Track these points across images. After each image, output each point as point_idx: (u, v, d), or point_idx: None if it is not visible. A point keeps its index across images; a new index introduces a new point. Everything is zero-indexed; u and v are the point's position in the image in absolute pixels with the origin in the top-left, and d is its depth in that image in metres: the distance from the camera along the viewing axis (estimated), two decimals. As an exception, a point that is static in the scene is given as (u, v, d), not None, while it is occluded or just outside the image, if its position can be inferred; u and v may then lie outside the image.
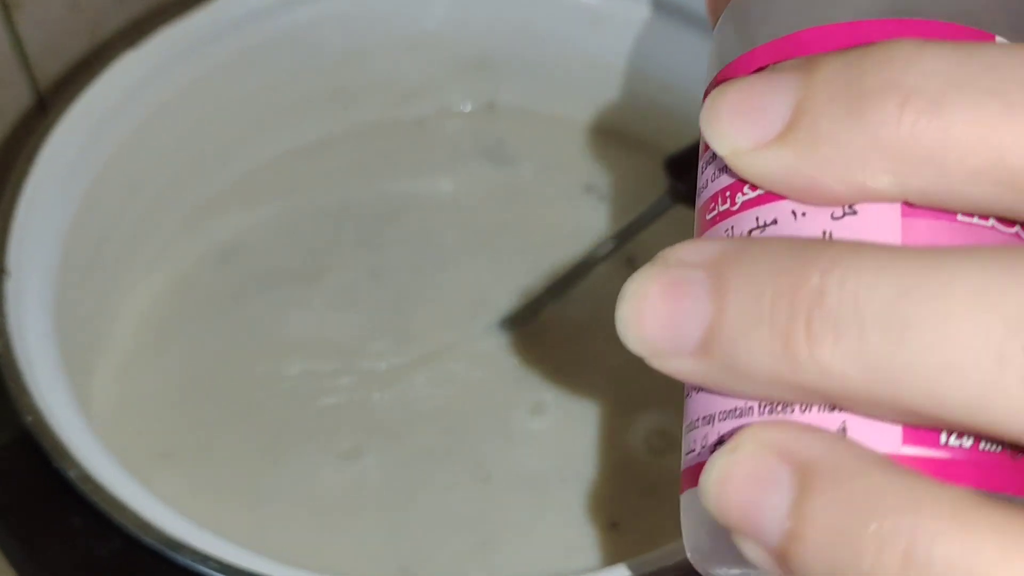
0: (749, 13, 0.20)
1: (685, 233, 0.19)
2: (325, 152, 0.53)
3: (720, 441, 0.17)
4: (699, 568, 0.19)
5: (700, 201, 0.20)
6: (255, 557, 0.33)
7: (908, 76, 0.15)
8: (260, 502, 0.42)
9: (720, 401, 0.18)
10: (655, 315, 0.16)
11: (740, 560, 0.17)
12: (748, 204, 0.18)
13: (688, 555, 0.19)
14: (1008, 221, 0.17)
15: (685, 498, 0.19)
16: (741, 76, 0.18)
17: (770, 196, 0.17)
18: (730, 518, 0.16)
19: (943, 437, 0.16)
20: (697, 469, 0.18)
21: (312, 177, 0.52)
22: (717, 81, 0.20)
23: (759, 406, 0.17)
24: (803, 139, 0.16)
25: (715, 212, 0.19)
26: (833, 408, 0.16)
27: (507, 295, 0.48)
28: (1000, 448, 0.17)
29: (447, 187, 0.52)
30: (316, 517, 0.42)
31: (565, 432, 0.44)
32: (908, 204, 0.16)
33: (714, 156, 0.19)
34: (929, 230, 0.16)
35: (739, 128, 0.16)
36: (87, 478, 0.34)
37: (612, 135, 0.54)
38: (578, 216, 0.51)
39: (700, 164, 0.20)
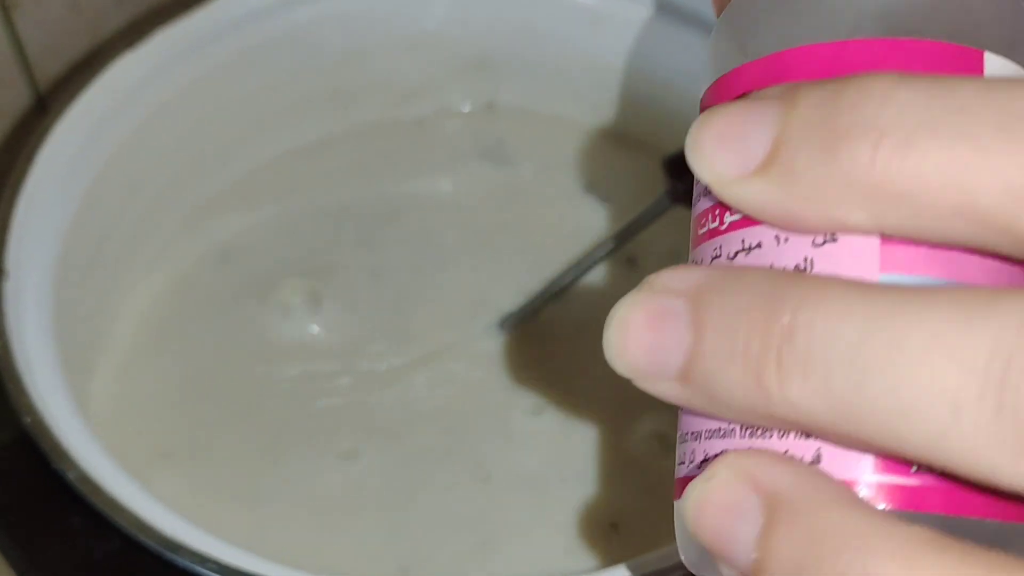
0: (741, 26, 0.20)
1: (684, 233, 0.19)
2: (325, 152, 0.53)
3: (705, 460, 0.18)
4: (693, 570, 0.19)
5: (694, 211, 0.20)
6: (254, 558, 0.33)
7: (882, 115, 0.15)
8: (259, 502, 0.42)
9: (705, 420, 0.18)
10: (639, 342, 0.17)
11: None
12: (735, 225, 0.18)
13: (682, 559, 0.20)
14: None
15: (678, 506, 0.20)
16: (726, 101, 0.18)
17: (755, 220, 0.18)
18: (706, 543, 0.17)
19: (913, 466, 0.17)
20: (685, 482, 0.18)
21: (312, 177, 0.52)
22: (709, 94, 0.20)
23: (740, 428, 0.18)
24: (781, 174, 0.16)
25: (705, 229, 0.19)
26: (809, 435, 0.17)
27: (507, 295, 0.48)
28: None
29: (447, 187, 0.52)
30: (316, 517, 0.42)
31: (565, 433, 0.44)
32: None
33: None
34: (908, 258, 0.17)
35: (721, 158, 0.17)
36: (86, 479, 0.34)
37: (612, 135, 0.54)
38: (578, 216, 0.51)
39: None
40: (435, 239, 0.50)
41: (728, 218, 0.18)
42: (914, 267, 0.17)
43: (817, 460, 0.17)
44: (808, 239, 0.17)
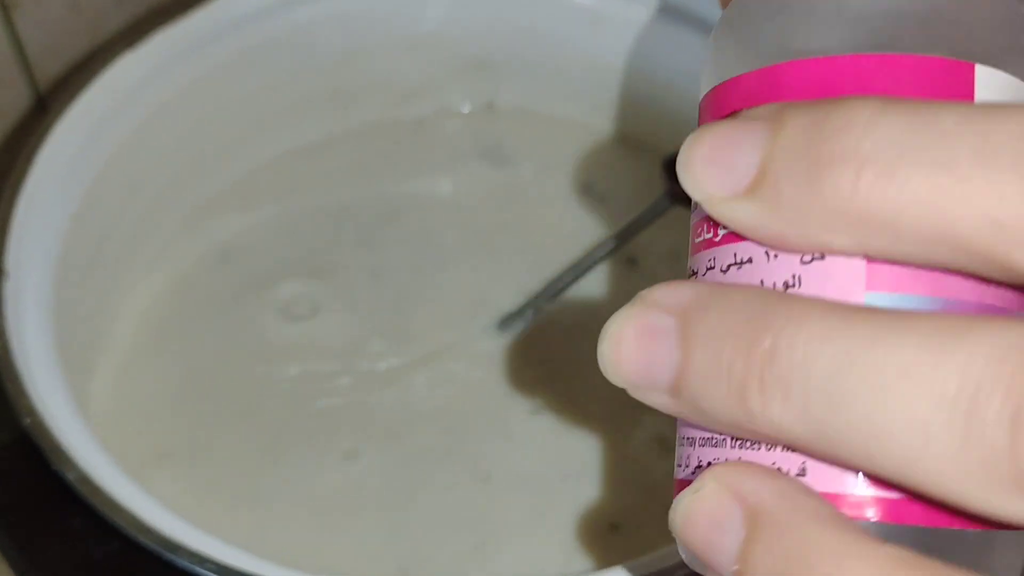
0: (739, 32, 0.20)
1: (684, 233, 0.19)
2: (325, 152, 0.53)
3: (699, 467, 0.19)
4: (691, 566, 0.20)
5: (692, 218, 0.21)
6: (253, 559, 0.33)
7: (864, 143, 0.16)
8: (259, 503, 0.42)
9: (699, 429, 0.19)
10: (631, 357, 0.18)
11: None
12: (728, 238, 0.19)
13: (682, 555, 0.20)
14: None
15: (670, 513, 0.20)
16: (721, 112, 0.19)
17: None
18: (694, 552, 0.18)
19: None
20: (683, 485, 0.19)
21: (312, 177, 0.52)
22: (706, 101, 0.20)
23: (731, 438, 0.18)
24: (767, 197, 0.17)
25: (701, 238, 0.20)
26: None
27: (507, 295, 0.48)
28: None
29: (447, 187, 0.52)
30: (315, 517, 0.42)
31: (565, 433, 0.44)
32: None
33: None
34: (893, 278, 0.17)
35: (711, 178, 0.17)
36: (85, 479, 0.34)
37: (611, 136, 0.54)
38: (577, 216, 0.51)
39: None
40: (435, 239, 0.50)
41: (721, 231, 0.19)
42: (899, 286, 0.17)
43: (802, 473, 0.17)
44: (796, 256, 0.18)
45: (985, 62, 0.18)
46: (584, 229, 0.50)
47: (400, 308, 0.48)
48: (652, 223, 0.46)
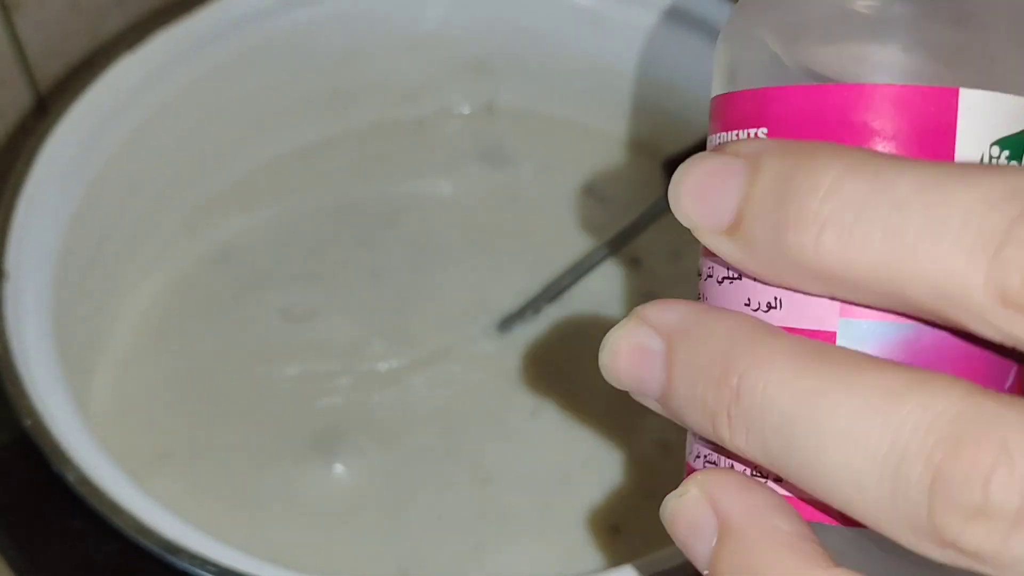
0: (737, 49, 0.21)
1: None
2: (325, 152, 0.53)
3: (698, 457, 0.21)
4: None
5: None
6: (253, 560, 0.33)
7: (826, 208, 0.17)
8: (259, 503, 0.42)
9: None
10: (625, 369, 0.20)
11: None
12: None
13: None
14: None
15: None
16: (718, 126, 0.21)
17: None
18: (680, 547, 0.19)
19: None
20: (690, 470, 0.21)
21: (312, 177, 0.52)
22: (713, 108, 0.21)
23: None
24: (744, 241, 0.19)
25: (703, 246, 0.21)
26: None
27: (506, 296, 0.48)
28: None
29: (446, 188, 0.52)
30: (315, 518, 0.42)
31: (565, 434, 0.44)
32: None
33: None
34: (864, 309, 0.19)
35: (696, 211, 0.19)
36: (85, 480, 0.34)
37: (611, 136, 0.54)
38: (577, 217, 0.51)
39: None
40: (435, 239, 0.50)
41: None
42: (870, 314, 0.19)
43: (778, 479, 0.19)
44: None
45: (969, 85, 0.19)
46: (584, 230, 0.50)
47: (400, 308, 0.48)
48: (652, 223, 0.46)
